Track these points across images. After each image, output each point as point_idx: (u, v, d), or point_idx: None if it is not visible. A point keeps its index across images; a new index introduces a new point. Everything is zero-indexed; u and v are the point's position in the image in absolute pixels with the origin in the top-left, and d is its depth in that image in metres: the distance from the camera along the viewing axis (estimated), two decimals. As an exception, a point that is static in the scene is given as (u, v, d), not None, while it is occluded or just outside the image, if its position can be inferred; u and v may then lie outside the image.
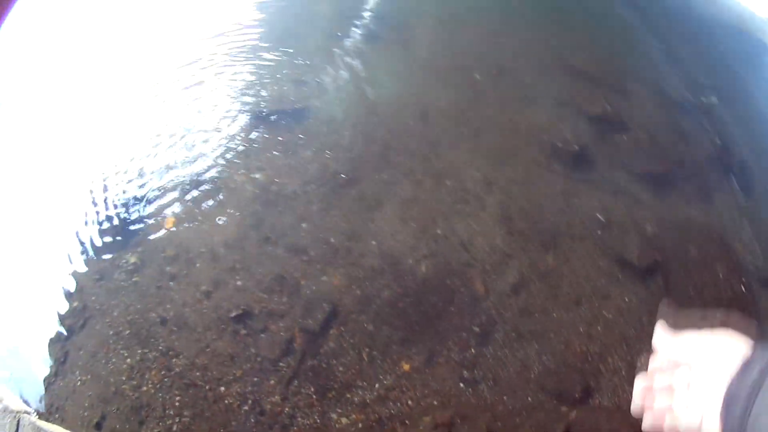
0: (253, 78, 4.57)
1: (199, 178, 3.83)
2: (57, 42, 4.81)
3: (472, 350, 3.18)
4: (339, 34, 5.15)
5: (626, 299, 3.48)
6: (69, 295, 3.36)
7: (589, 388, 3.11)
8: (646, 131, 4.44)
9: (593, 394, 3.10)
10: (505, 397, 3.03)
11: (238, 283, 3.36)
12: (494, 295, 3.40)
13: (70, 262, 3.47)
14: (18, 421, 2.83)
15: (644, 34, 5.71)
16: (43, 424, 2.81)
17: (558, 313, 3.38)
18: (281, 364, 3.07)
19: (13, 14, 1.43)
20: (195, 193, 3.76)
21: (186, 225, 3.61)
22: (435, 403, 3.00)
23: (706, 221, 3.97)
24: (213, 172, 3.86)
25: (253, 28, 5.13)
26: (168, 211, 3.68)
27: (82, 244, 3.56)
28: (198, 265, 3.44)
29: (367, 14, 5.40)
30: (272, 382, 3.02)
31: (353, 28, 5.20)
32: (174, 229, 3.59)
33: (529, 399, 3.05)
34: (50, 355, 3.17)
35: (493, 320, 3.30)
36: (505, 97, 4.66)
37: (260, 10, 5.41)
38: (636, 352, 3.27)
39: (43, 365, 3.14)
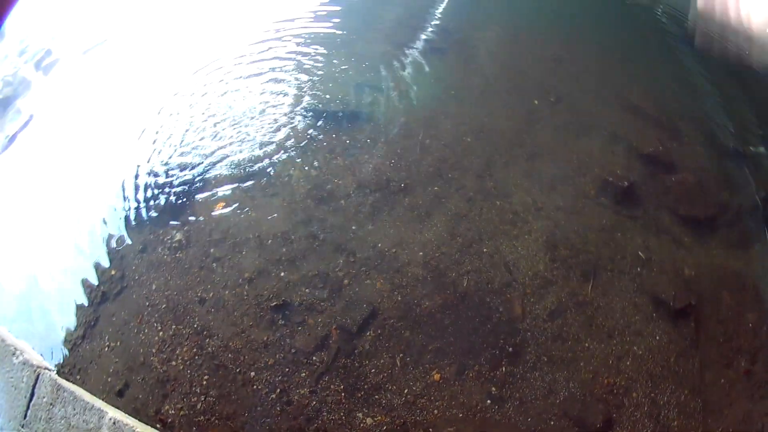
0: (318, 77, 4.69)
1: (254, 167, 3.96)
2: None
3: (503, 368, 3.27)
4: (404, 43, 5.26)
5: (657, 338, 3.54)
6: (109, 262, 3.51)
7: (611, 420, 3.17)
8: (693, 174, 4.48)
9: (614, 426, 3.16)
10: (529, 419, 3.12)
11: (282, 274, 3.48)
12: (531, 318, 3.50)
13: (116, 231, 3.64)
14: (37, 376, 2.93)
15: (702, 78, 5.71)
16: (63, 382, 2.91)
17: (590, 343, 3.45)
18: (314, 358, 3.18)
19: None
20: (249, 180, 3.88)
21: (236, 211, 3.73)
22: (460, 415, 3.08)
23: (742, 270, 4.01)
24: (269, 163, 3.98)
25: (322, 26, 5.25)
26: (220, 194, 3.80)
27: (129, 212, 3.72)
28: (243, 251, 3.57)
29: (433, 26, 5.46)
30: (303, 374, 3.12)
31: (418, 39, 5.28)
32: (224, 212, 3.71)
33: (552, 423, 3.13)
34: (80, 316, 3.31)
35: (526, 342, 3.39)
36: (560, 124, 4.73)
37: (328, 13, 5.50)
38: (660, 390, 3.33)
39: (71, 326, 3.28)
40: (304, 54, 4.98)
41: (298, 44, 5.07)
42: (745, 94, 5.64)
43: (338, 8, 5.60)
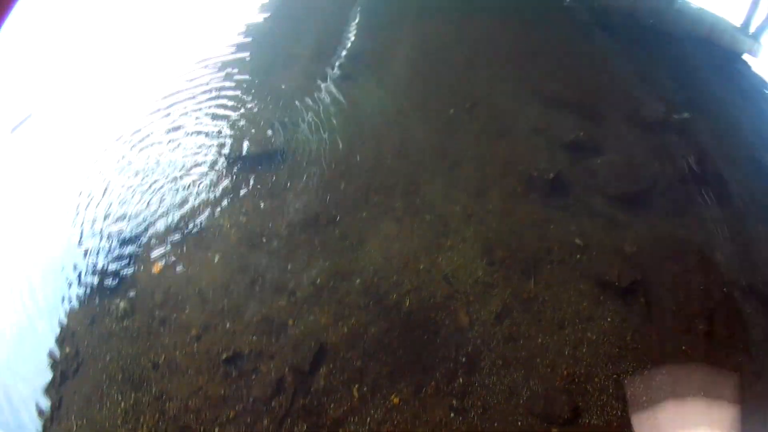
0: (234, 122, 4.74)
1: (186, 222, 3.97)
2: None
3: (460, 380, 3.25)
4: (317, 74, 5.33)
5: (609, 319, 3.53)
6: (62, 341, 3.47)
7: (578, 409, 3.15)
8: (619, 153, 4.53)
9: (582, 414, 3.14)
10: (495, 424, 3.09)
11: (227, 325, 3.48)
12: (479, 324, 3.48)
13: (62, 308, 3.61)
14: None
15: (616, 56, 5.82)
16: None
17: (542, 338, 3.44)
18: (273, 403, 3.15)
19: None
20: (181, 237, 3.90)
21: (174, 269, 3.74)
22: None
23: (684, 236, 4.02)
24: (198, 217, 4.00)
25: (234, 67, 5.33)
26: (155, 256, 3.81)
27: (72, 290, 3.69)
28: (187, 308, 3.57)
29: (344, 52, 5.54)
30: (265, 422, 3.09)
31: (331, 68, 5.35)
32: (162, 273, 3.72)
33: (519, 424, 3.10)
34: (45, 400, 3.25)
35: (478, 349, 3.37)
36: (479, 129, 4.78)
37: (239, 52, 5.58)
38: (621, 370, 3.31)
39: (39, 411, 3.21)
40: (220, 99, 5.05)
41: (212, 90, 5.12)
42: (662, 64, 5.74)
43: (247, 48, 5.66)
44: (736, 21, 6.28)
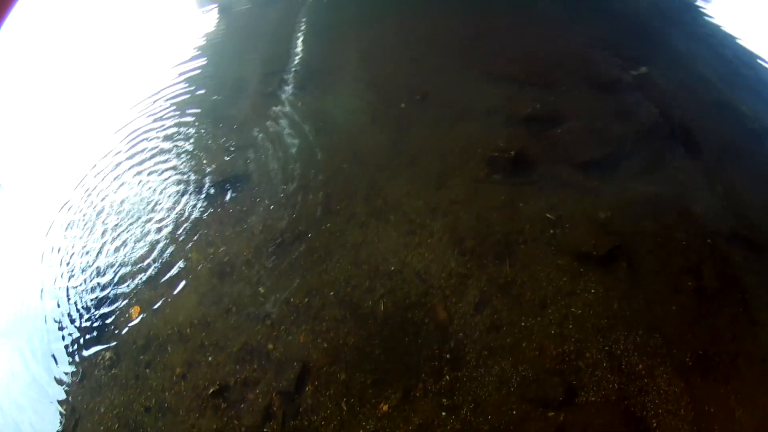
0: (189, 154, 4.71)
1: (155, 264, 3.95)
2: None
3: (447, 377, 3.15)
4: (265, 94, 5.27)
5: (592, 291, 3.43)
6: (56, 401, 3.47)
7: (572, 388, 3.05)
8: (580, 120, 4.43)
9: (578, 392, 3.04)
10: (489, 416, 2.99)
11: (210, 359, 3.44)
12: (458, 318, 3.38)
13: (53, 368, 3.61)
14: None
15: (564, 22, 5.74)
16: None
17: (526, 321, 3.34)
18: (265, 430, 3.10)
19: None
20: (154, 279, 3.88)
21: (151, 312, 3.72)
22: None
23: (658, 193, 3.92)
24: (167, 256, 3.98)
25: (184, 96, 5.29)
26: (132, 302, 3.79)
27: (58, 348, 3.69)
28: (169, 348, 3.54)
29: (290, 70, 5.48)
30: None
31: (278, 86, 5.28)
32: (140, 317, 3.71)
33: (514, 413, 3.00)
34: None
35: (461, 343, 3.27)
36: (433, 119, 4.69)
37: (186, 83, 5.55)
38: (613, 340, 3.20)
39: None
40: (175, 132, 5.01)
41: (164, 126, 5.08)
42: (613, 23, 5.66)
43: (195, 78, 5.60)
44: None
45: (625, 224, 3.74)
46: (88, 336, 3.69)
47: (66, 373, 3.57)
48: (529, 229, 3.77)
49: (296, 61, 5.66)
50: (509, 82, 4.86)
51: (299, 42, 5.93)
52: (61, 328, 3.76)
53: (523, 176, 4.10)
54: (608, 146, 4.22)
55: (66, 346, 3.68)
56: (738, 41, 5.50)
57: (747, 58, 5.33)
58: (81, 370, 3.56)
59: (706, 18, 5.85)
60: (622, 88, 4.77)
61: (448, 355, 3.23)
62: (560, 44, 5.47)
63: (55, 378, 3.56)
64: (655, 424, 2.91)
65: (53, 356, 3.66)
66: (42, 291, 4.00)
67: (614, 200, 3.88)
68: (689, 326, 3.26)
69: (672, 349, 3.16)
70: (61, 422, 3.37)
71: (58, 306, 3.88)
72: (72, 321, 3.78)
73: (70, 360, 3.62)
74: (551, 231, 3.74)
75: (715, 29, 5.67)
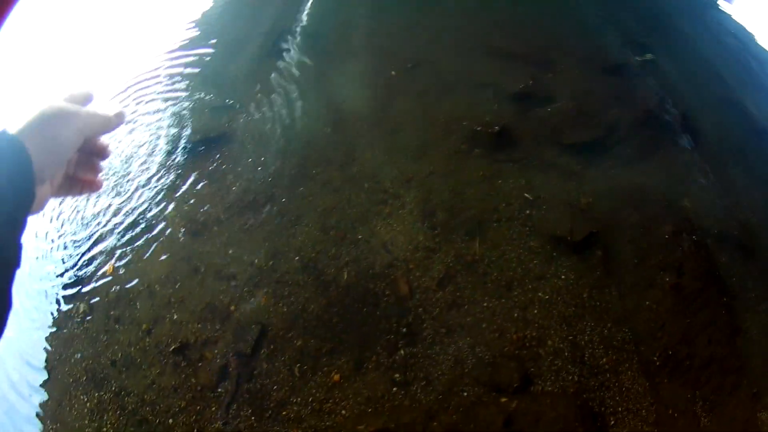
0: (177, 108, 4.64)
1: (130, 220, 3.91)
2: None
3: (402, 352, 3.09)
4: (259, 57, 5.17)
5: (563, 277, 3.32)
6: (31, 351, 3.51)
7: (529, 375, 2.96)
8: (573, 100, 4.25)
9: (534, 380, 2.96)
10: (439, 396, 2.93)
11: (175, 316, 3.43)
12: (420, 292, 3.30)
13: (30, 317, 3.63)
14: None
15: (576, 2, 5.54)
16: None
17: (489, 302, 3.24)
18: (219, 390, 3.11)
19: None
20: (128, 234, 3.85)
21: (124, 266, 3.70)
22: (369, 410, 2.93)
23: (647, 183, 3.76)
24: (142, 212, 3.93)
25: (180, 59, 5.23)
26: (106, 256, 3.77)
27: (35, 298, 3.71)
28: (138, 304, 3.52)
29: (289, 35, 5.37)
30: (213, 408, 3.06)
31: (273, 50, 5.18)
32: (114, 272, 3.69)
33: (465, 394, 2.93)
34: (21, 410, 3.29)
35: (420, 319, 3.19)
36: (421, 89, 4.54)
37: (186, 41, 5.48)
38: (578, 330, 3.10)
39: (13, 419, 3.28)
40: (164, 89, 4.93)
41: (157, 80, 5.01)
42: (627, 8, 5.46)
43: (195, 37, 5.51)
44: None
45: (606, 212, 3.63)
46: (63, 290, 3.70)
47: (39, 326, 3.60)
48: (505, 208, 3.65)
49: (298, 25, 5.53)
50: (506, 57, 4.68)
51: (306, 6, 5.79)
52: (36, 281, 3.78)
53: (505, 153, 3.95)
54: (599, 130, 4.05)
55: (40, 299, 3.70)
56: (758, 43, 5.28)
57: (765, 60, 5.11)
58: (54, 321, 3.59)
59: (726, 16, 5.63)
60: (625, 72, 4.59)
61: (404, 330, 3.16)
62: (567, 22, 5.27)
63: (31, 326, 3.60)
64: (612, 422, 2.84)
65: (30, 306, 3.69)
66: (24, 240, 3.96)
67: (598, 186, 3.74)
68: (661, 324, 3.16)
69: (640, 346, 3.06)
70: (35, 371, 3.42)
71: (36, 259, 3.88)
72: (47, 274, 3.79)
73: (44, 312, 3.65)
74: (527, 211, 3.62)
75: (735, 29, 5.45)
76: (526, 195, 3.68)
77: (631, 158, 3.92)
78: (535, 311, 3.20)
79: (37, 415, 3.25)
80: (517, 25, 5.16)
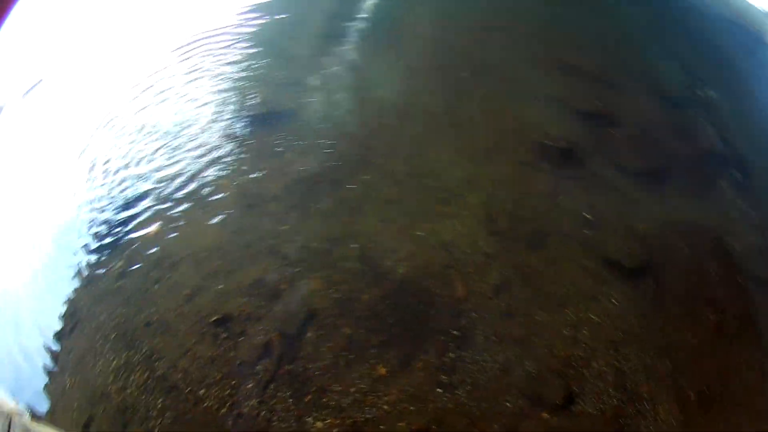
0: (239, 82, 4.55)
1: (183, 184, 3.81)
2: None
3: (451, 354, 3.08)
4: (329, 37, 5.11)
5: (614, 301, 3.34)
6: (59, 300, 3.40)
7: (572, 394, 2.98)
8: (638, 127, 4.30)
9: (576, 400, 2.97)
10: (483, 403, 2.92)
11: (219, 287, 3.34)
12: (475, 297, 3.29)
13: (62, 268, 3.52)
14: (9, 422, 2.93)
15: (641, 28, 5.57)
16: (34, 425, 2.92)
17: (541, 316, 3.25)
18: (259, 367, 3.03)
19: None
20: (179, 198, 3.75)
21: (170, 230, 3.60)
22: (411, 408, 2.90)
23: (701, 219, 3.82)
24: (197, 178, 3.84)
25: (241, 30, 5.13)
26: (153, 217, 3.67)
27: (71, 250, 3.59)
28: (181, 269, 3.42)
29: (358, 18, 5.34)
30: (250, 385, 2.98)
31: (343, 31, 5.15)
32: (159, 234, 3.58)
33: (508, 404, 2.93)
34: (42, 357, 3.21)
35: (473, 323, 3.19)
36: (489, 94, 4.54)
37: (249, 11, 5.38)
38: (623, 356, 3.13)
39: (35, 367, 3.19)
40: (230, 60, 4.82)
41: (223, 51, 4.92)
42: (689, 41, 5.49)
43: (254, 17, 5.46)
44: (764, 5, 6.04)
45: (660, 242, 3.66)
46: (102, 243, 3.60)
47: (74, 276, 3.49)
48: (565, 225, 3.68)
49: (363, 12, 5.50)
50: (576, 74, 4.70)
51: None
52: (78, 231, 3.68)
53: (570, 170, 3.97)
54: (663, 160, 4.09)
55: (79, 250, 3.59)
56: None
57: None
58: (89, 275, 3.48)
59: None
60: (685, 104, 4.63)
61: (456, 332, 3.15)
62: (631, 47, 5.30)
63: (62, 278, 3.50)
64: (645, 449, 2.88)
65: (65, 257, 3.59)
66: (68, 192, 3.93)
67: (655, 216, 3.78)
68: (700, 360, 3.20)
69: (679, 379, 3.09)
70: (60, 321, 3.33)
71: (80, 209, 3.79)
72: (90, 226, 3.69)
73: (82, 263, 3.53)
74: (586, 231, 3.65)
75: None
76: (586, 215, 3.70)
77: (687, 192, 3.96)
78: (585, 331, 3.21)
79: (56, 364, 3.20)
80: (587, 44, 5.19)
